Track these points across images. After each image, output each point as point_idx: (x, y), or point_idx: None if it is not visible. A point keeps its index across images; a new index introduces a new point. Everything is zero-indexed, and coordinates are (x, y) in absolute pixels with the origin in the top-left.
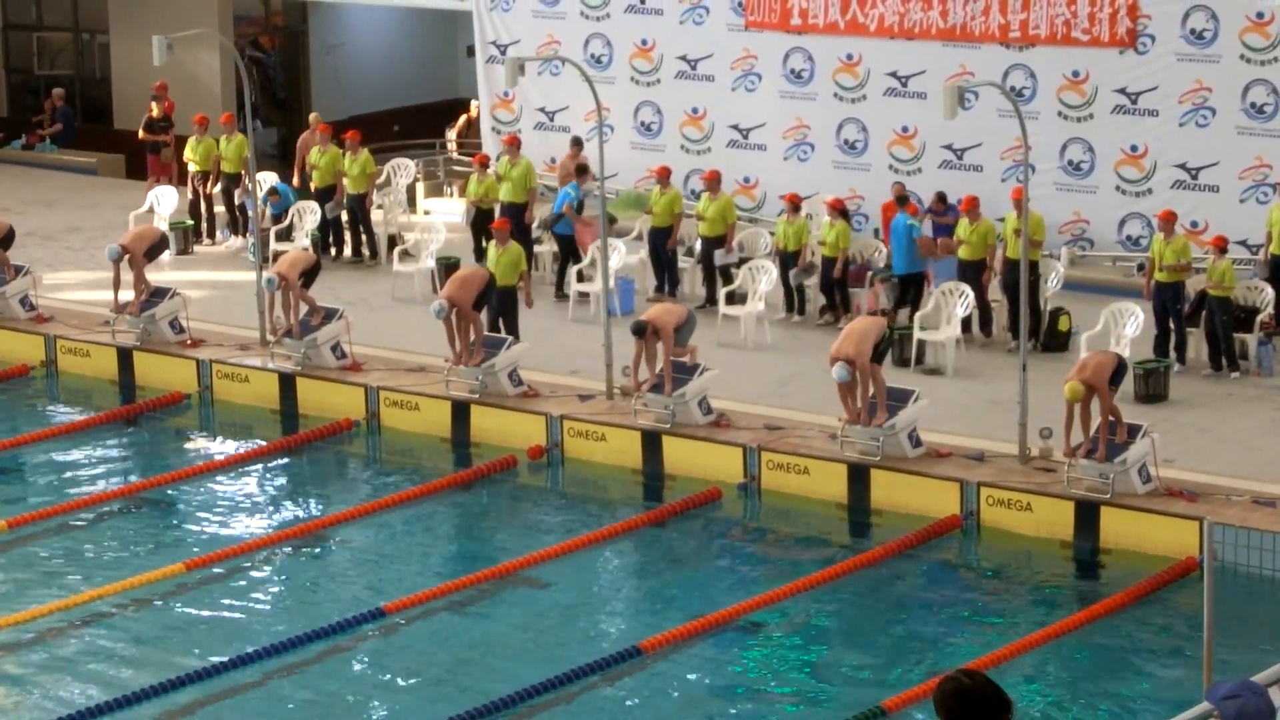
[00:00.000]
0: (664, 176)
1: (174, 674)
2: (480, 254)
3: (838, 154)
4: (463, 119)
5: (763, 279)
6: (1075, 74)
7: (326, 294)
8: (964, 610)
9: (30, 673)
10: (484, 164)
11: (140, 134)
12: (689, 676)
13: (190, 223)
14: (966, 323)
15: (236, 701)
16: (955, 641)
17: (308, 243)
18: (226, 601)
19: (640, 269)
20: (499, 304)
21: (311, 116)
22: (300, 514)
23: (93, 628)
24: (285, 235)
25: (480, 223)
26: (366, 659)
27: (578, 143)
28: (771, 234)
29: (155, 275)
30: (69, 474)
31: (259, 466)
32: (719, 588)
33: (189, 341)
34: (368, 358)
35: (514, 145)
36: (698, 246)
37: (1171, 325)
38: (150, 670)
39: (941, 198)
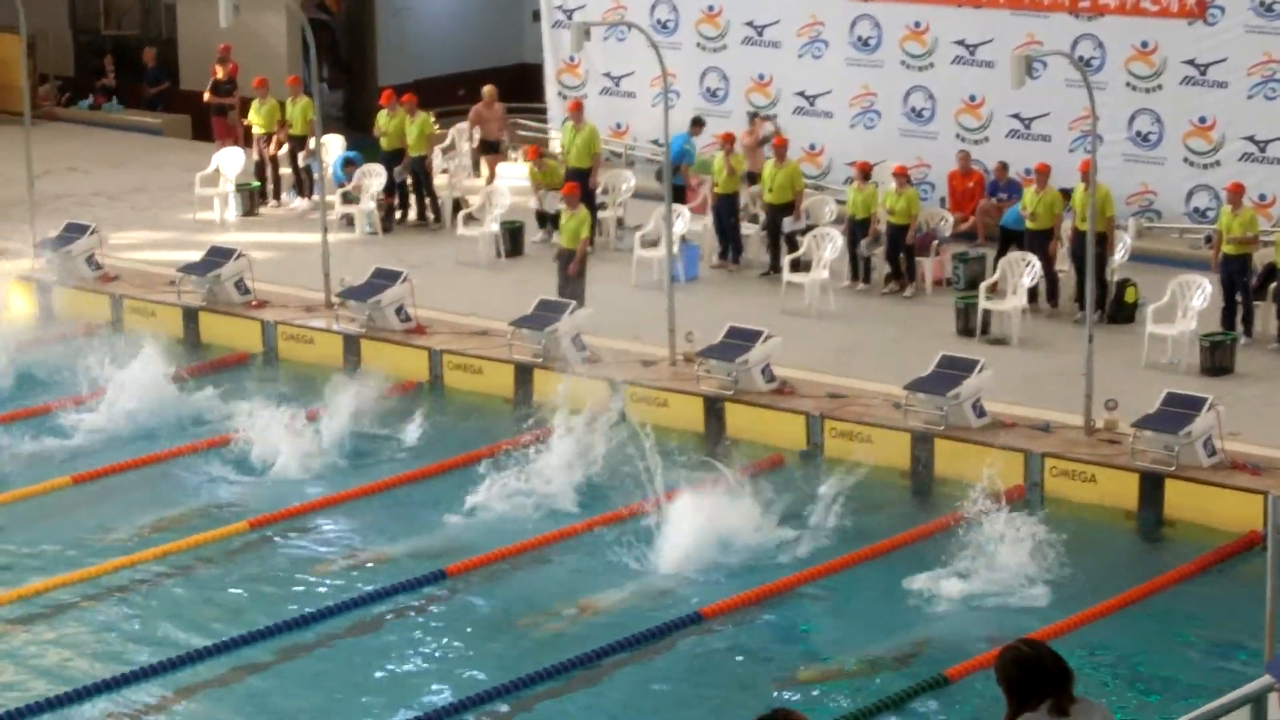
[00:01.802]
0: (728, 143)
1: (245, 629)
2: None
3: (904, 122)
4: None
5: (828, 246)
6: (1144, 45)
7: (391, 257)
8: (1027, 582)
9: (114, 619)
10: (539, 155)
11: (206, 96)
12: (748, 642)
13: (256, 185)
14: (1033, 293)
15: (304, 661)
16: (1016, 610)
17: (372, 205)
18: (287, 560)
19: (705, 236)
20: (565, 268)
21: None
22: (361, 475)
23: (159, 583)
24: (351, 199)
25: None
26: (427, 620)
27: (755, 116)
28: (839, 202)
29: (221, 236)
30: (130, 433)
31: (321, 427)
32: (779, 555)
33: (254, 302)
34: (431, 321)
35: (578, 111)
36: (762, 214)
37: (1238, 298)
38: (219, 625)
39: (1004, 167)
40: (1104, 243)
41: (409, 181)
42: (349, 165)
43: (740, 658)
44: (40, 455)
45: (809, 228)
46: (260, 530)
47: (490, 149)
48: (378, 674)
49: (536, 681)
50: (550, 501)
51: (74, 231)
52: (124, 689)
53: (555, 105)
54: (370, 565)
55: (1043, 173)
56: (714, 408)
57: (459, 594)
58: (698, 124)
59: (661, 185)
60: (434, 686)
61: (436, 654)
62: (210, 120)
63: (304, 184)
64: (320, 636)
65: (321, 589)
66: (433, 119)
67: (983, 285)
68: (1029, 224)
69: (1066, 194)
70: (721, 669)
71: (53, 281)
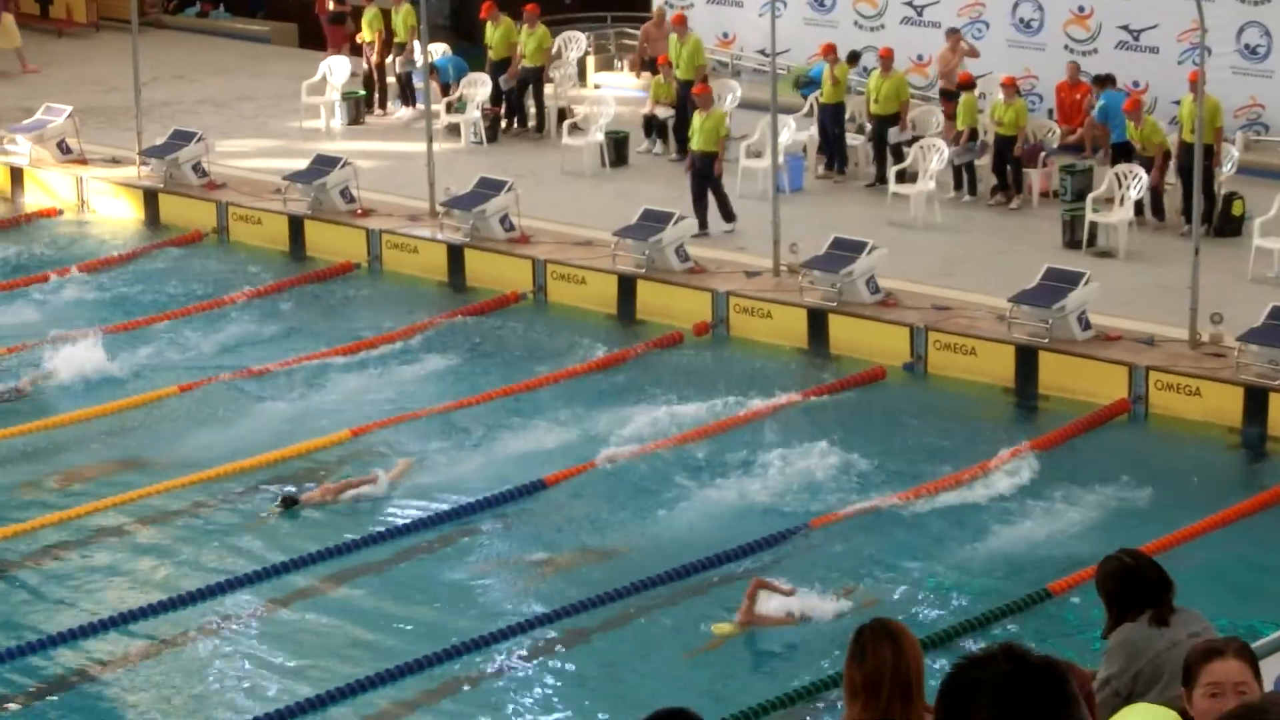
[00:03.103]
0: (830, 53)
1: (358, 535)
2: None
3: (1012, 33)
4: None
5: (934, 158)
6: None
7: (496, 166)
8: (1129, 495)
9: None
10: (668, 64)
11: (327, 4)
12: (855, 550)
13: (362, 93)
14: (1140, 205)
15: (427, 562)
16: (1118, 524)
17: (478, 115)
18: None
19: (810, 146)
20: (700, 171)
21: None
22: (466, 386)
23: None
24: (456, 108)
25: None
26: (523, 529)
27: (954, 33)
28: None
29: (326, 144)
30: (237, 342)
31: (425, 338)
32: (885, 469)
33: (359, 211)
34: (535, 230)
35: (681, 24)
36: (868, 124)
37: None
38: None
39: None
40: (1211, 156)
41: (516, 91)
42: (432, 72)
43: (844, 565)
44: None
45: (915, 139)
46: (359, 438)
47: (654, 68)
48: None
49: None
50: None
51: (180, 139)
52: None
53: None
54: (471, 479)
55: (1010, 85)
56: (817, 319)
57: (561, 504)
58: (954, 33)
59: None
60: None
61: (529, 563)
62: (317, 27)
63: (408, 93)
64: (431, 540)
65: (418, 501)
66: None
67: (1089, 197)
68: (997, 130)
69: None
70: (826, 582)
71: (159, 188)
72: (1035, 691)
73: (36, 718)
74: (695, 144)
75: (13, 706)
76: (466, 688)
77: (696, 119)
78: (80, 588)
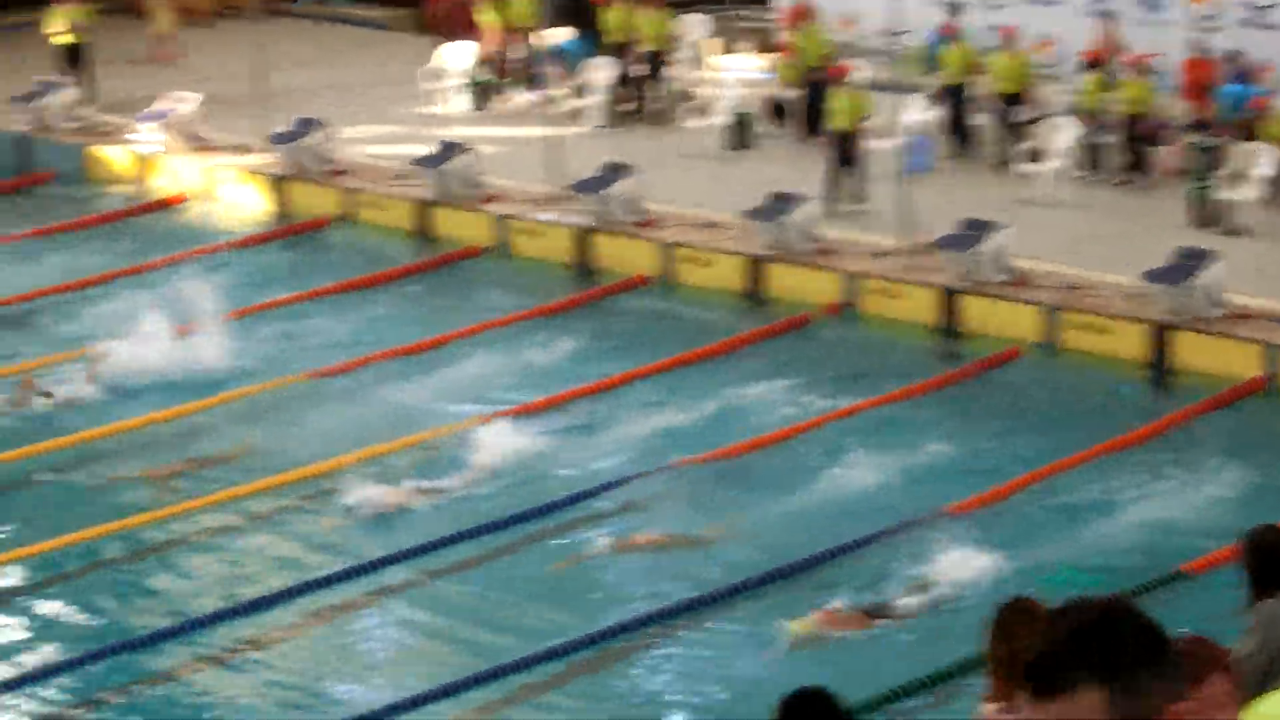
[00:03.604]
0: (952, 33)
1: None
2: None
3: (1138, 10)
4: None
5: (1060, 136)
6: None
7: (619, 150)
8: (1267, 473)
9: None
10: (795, 46)
11: None
12: (992, 536)
13: (487, 78)
14: (1271, 183)
15: (548, 549)
16: (1257, 506)
17: (601, 98)
18: (528, 449)
19: (937, 127)
20: (839, 149)
21: None
22: (593, 370)
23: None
24: (578, 92)
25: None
26: (651, 512)
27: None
28: (1074, 91)
29: (450, 130)
30: (361, 329)
31: (554, 321)
32: (1019, 450)
33: (485, 196)
34: (658, 214)
35: (806, 9)
36: (992, 104)
37: None
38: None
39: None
40: None
41: (638, 74)
42: (563, 56)
43: (983, 551)
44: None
45: (1040, 117)
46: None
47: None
48: None
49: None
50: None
51: (304, 126)
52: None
53: None
54: (595, 463)
55: (1010, 35)
56: (948, 299)
57: (690, 488)
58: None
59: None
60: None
61: (657, 546)
62: (437, 13)
63: (532, 77)
64: (554, 526)
65: (543, 486)
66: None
67: (1218, 174)
68: (1124, 108)
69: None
70: (962, 566)
71: (285, 175)
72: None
73: (143, 713)
74: (836, 122)
75: (116, 700)
76: (595, 672)
77: (837, 98)
78: (234, 565)
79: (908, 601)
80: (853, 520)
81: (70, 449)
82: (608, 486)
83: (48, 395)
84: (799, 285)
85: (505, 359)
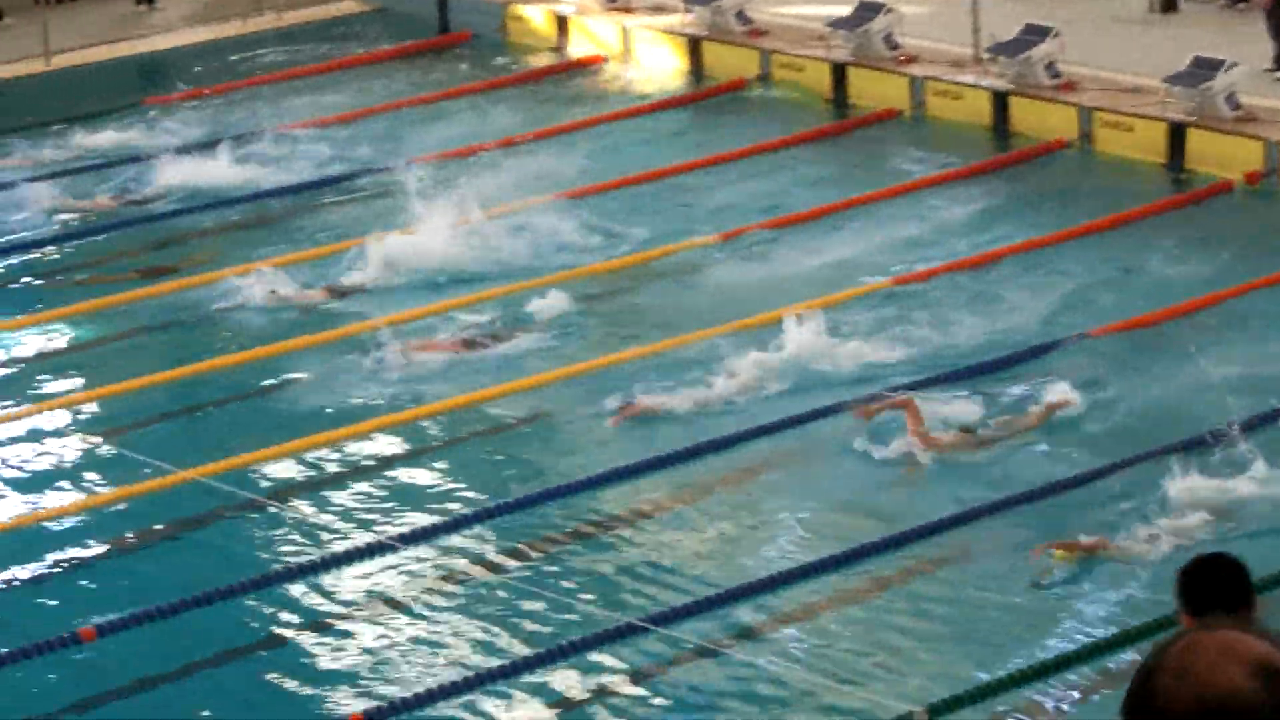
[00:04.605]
0: None
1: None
2: None
3: None
4: None
5: None
6: None
7: (1040, 12)
8: None
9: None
10: None
11: None
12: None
13: None
14: None
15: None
16: None
17: None
18: (928, 316)
19: None
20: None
21: None
22: (1007, 234)
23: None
24: None
25: None
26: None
27: None
28: None
29: None
30: (771, 190)
31: (967, 187)
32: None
33: (902, 58)
34: (1080, 78)
35: None
36: None
37: None
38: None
39: None
40: None
41: None
42: None
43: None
44: None
45: None
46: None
47: None
48: None
49: None
50: None
51: None
52: None
53: None
54: (1010, 329)
55: None
56: None
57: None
58: None
59: None
60: None
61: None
62: None
63: None
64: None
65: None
66: None
67: None
68: None
69: None
70: None
71: (703, 35)
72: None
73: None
74: None
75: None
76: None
77: None
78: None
79: None
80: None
81: None
82: (1021, 356)
83: None
84: (1220, 153)
85: (918, 222)
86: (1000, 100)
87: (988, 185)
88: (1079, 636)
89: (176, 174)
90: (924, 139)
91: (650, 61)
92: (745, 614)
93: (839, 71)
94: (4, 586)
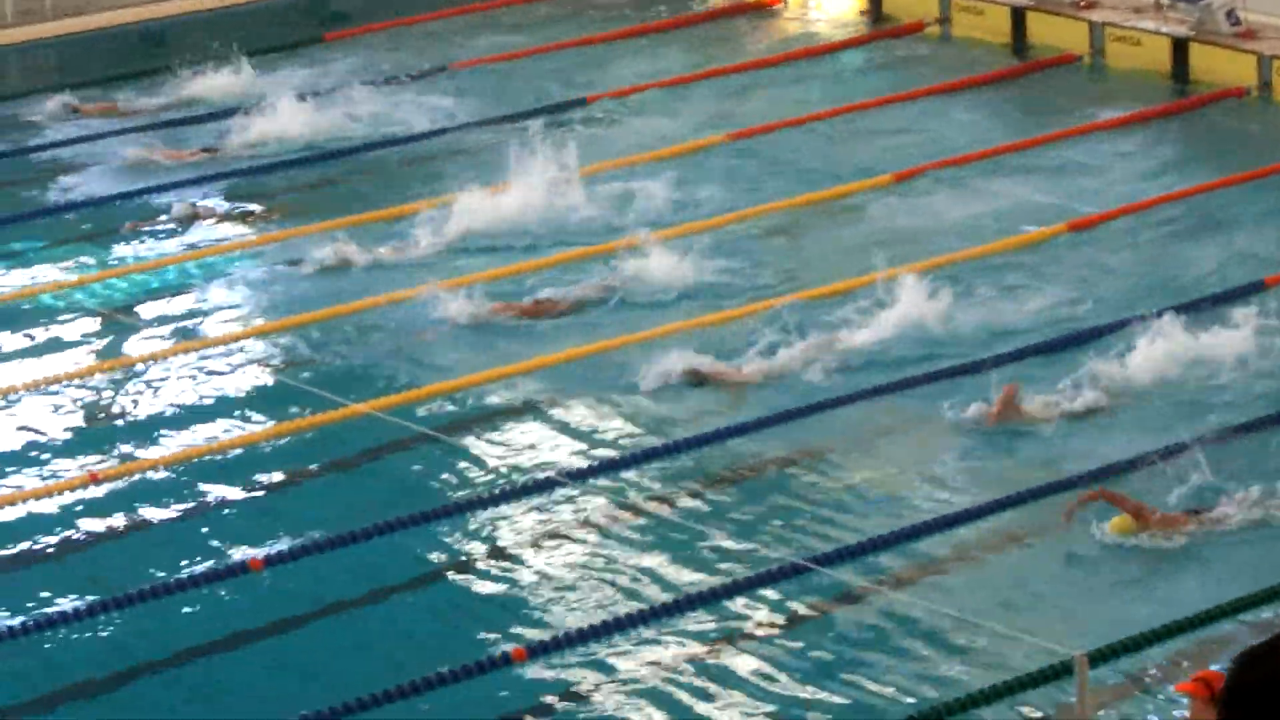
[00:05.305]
0: None
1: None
2: None
3: None
4: None
5: None
6: None
7: None
8: None
9: None
10: None
11: None
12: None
13: None
14: None
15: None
16: None
17: None
18: (1109, 258)
19: None
20: None
21: None
22: (1187, 180)
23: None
24: None
25: None
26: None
27: None
28: None
29: None
30: (940, 132)
31: (1146, 132)
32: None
33: (1083, 3)
34: (1262, 25)
35: None
36: None
37: None
38: None
39: None
40: None
41: None
42: None
43: None
44: None
45: None
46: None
47: None
48: None
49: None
50: None
51: None
52: None
53: None
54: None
55: None
56: None
57: None
58: None
59: None
60: None
61: None
62: None
63: None
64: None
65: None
66: None
67: None
68: None
69: None
70: None
71: None
72: None
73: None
74: None
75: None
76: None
77: None
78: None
79: None
80: None
81: None
82: (1196, 303)
83: None
84: None
85: (1093, 168)
86: (1180, 47)
87: (1164, 131)
88: (1234, 588)
89: (365, 109)
90: (1101, 84)
91: (830, 3)
92: (901, 558)
93: (1018, 15)
94: (180, 515)
